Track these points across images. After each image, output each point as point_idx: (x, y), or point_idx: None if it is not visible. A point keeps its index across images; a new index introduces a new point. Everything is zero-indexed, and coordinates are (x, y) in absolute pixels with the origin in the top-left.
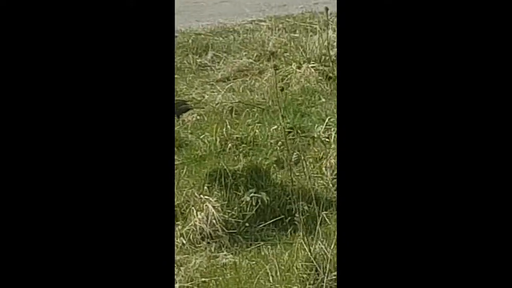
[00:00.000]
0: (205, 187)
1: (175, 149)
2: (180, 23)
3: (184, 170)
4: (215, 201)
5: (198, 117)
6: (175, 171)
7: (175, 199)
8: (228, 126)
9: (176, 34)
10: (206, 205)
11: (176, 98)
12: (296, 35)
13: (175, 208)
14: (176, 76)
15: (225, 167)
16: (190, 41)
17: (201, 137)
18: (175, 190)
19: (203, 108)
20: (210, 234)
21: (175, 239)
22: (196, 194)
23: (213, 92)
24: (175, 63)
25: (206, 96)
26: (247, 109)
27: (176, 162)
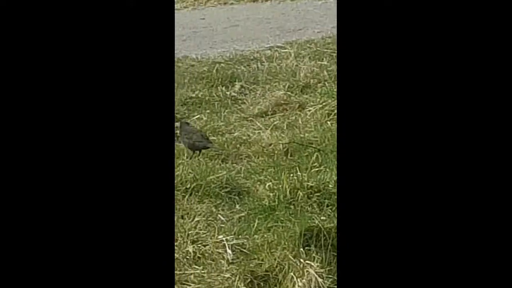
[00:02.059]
0: (300, 249)
1: (237, 197)
2: (193, 50)
3: (255, 224)
4: (318, 266)
5: (248, 159)
6: (240, 223)
7: (266, 262)
8: (299, 173)
9: (192, 62)
10: (307, 271)
11: (198, 132)
12: (324, 62)
13: (267, 273)
14: (207, 111)
15: (320, 224)
16: (214, 71)
17: (267, 185)
18: (265, 252)
19: (250, 148)
20: None
21: None
22: (290, 257)
23: (256, 130)
24: (202, 95)
25: (253, 135)
26: (299, 150)
27: (241, 214)
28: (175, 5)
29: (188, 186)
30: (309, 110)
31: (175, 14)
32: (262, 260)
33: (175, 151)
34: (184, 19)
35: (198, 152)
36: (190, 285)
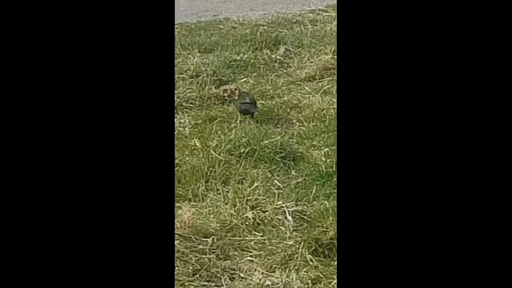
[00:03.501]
0: None
1: (292, 162)
2: (234, 12)
3: (313, 190)
4: None
5: (299, 124)
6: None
7: (331, 230)
8: None
9: (234, 25)
10: None
11: (248, 95)
12: None
13: (332, 240)
14: (253, 74)
15: None
16: (257, 34)
17: (325, 150)
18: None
19: (301, 113)
20: None
21: None
22: None
23: (305, 94)
24: (247, 58)
25: (303, 100)
26: None
27: (297, 180)
28: None
29: (242, 150)
30: None
31: None
32: (327, 227)
33: (226, 114)
34: None
35: (249, 115)
36: (251, 252)
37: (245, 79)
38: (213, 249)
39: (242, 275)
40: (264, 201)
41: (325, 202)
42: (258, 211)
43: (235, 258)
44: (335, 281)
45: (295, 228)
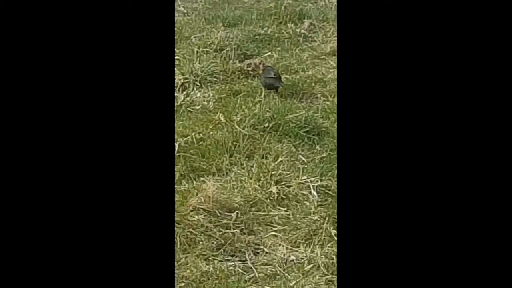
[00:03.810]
0: None
1: (316, 137)
2: None
3: None
4: None
5: (324, 99)
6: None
7: None
8: None
9: None
10: None
11: (272, 69)
12: None
13: None
14: (278, 48)
15: None
16: (282, 8)
17: None
18: None
19: (326, 88)
20: None
21: None
22: None
23: (330, 68)
24: (271, 32)
25: (328, 74)
26: None
27: (322, 154)
28: None
29: (266, 125)
30: None
31: None
32: None
33: (250, 89)
34: None
35: (274, 90)
36: (275, 227)
37: (269, 53)
38: (237, 223)
39: (266, 250)
40: (288, 176)
41: None
42: (283, 185)
43: (259, 233)
44: None
45: (319, 203)
